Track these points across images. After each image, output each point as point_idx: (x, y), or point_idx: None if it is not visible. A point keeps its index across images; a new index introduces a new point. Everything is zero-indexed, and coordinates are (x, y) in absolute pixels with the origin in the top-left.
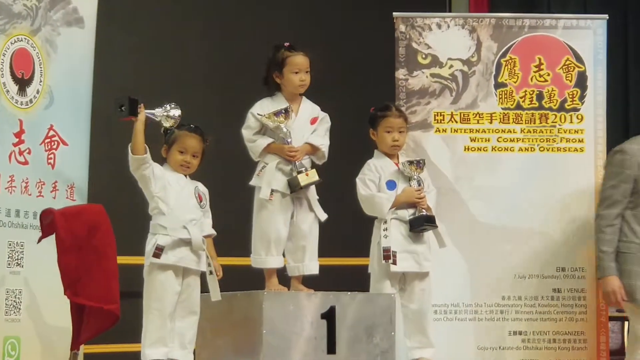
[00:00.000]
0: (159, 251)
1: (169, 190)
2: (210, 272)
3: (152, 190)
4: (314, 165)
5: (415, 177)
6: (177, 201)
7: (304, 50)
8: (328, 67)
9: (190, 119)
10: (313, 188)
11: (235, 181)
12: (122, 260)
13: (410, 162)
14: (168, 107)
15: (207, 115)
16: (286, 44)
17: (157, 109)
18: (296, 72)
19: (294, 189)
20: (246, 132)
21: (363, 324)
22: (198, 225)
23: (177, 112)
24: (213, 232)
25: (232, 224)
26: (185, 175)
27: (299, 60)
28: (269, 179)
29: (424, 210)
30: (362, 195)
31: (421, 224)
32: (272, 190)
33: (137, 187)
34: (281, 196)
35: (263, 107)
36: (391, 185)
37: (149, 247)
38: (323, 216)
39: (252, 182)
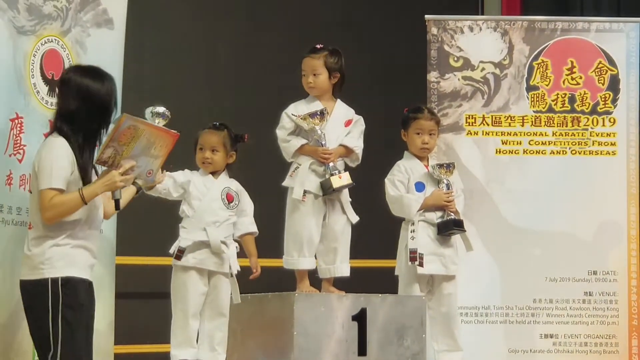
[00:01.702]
0: (180, 253)
1: (194, 193)
2: (232, 275)
3: (175, 197)
4: (347, 168)
5: (445, 180)
6: (200, 203)
7: (320, 51)
8: (359, 70)
9: (220, 120)
10: (346, 190)
11: (266, 182)
12: (151, 260)
13: (440, 165)
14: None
15: (238, 117)
16: (318, 45)
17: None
18: (303, 75)
19: (327, 191)
20: (280, 133)
21: (394, 326)
22: (223, 227)
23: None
24: (251, 229)
25: (264, 225)
26: (216, 176)
27: (305, 63)
28: (301, 180)
29: (452, 213)
30: (390, 195)
31: (450, 228)
32: (305, 192)
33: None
34: (314, 197)
35: (297, 109)
36: (420, 187)
37: (172, 249)
38: (355, 218)
39: (285, 183)
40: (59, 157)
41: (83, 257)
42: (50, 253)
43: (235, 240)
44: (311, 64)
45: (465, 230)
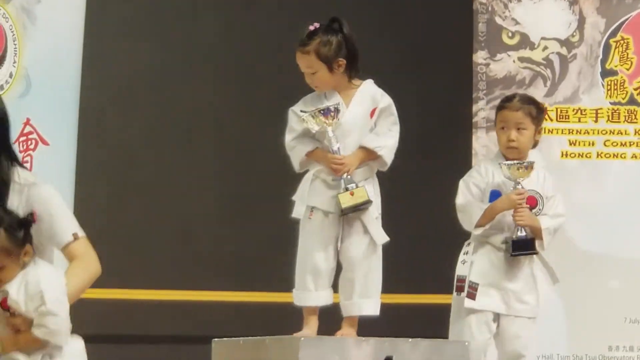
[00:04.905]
0: None
1: None
2: None
3: None
4: (378, 173)
5: (517, 183)
6: None
7: (311, 39)
8: (384, 49)
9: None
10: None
11: (273, 196)
12: (112, 294)
13: (518, 165)
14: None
15: (224, 113)
16: (311, 26)
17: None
18: (304, 72)
19: (341, 212)
20: (286, 137)
21: None
22: None
23: None
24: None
25: (268, 250)
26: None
27: (297, 58)
28: (303, 193)
29: (524, 229)
30: (457, 203)
31: (528, 248)
32: (312, 208)
33: (133, 199)
34: (323, 215)
35: (308, 104)
36: (495, 196)
37: None
38: (382, 239)
39: (295, 197)
40: None
41: None
42: None
43: None
44: (303, 61)
45: (537, 252)
